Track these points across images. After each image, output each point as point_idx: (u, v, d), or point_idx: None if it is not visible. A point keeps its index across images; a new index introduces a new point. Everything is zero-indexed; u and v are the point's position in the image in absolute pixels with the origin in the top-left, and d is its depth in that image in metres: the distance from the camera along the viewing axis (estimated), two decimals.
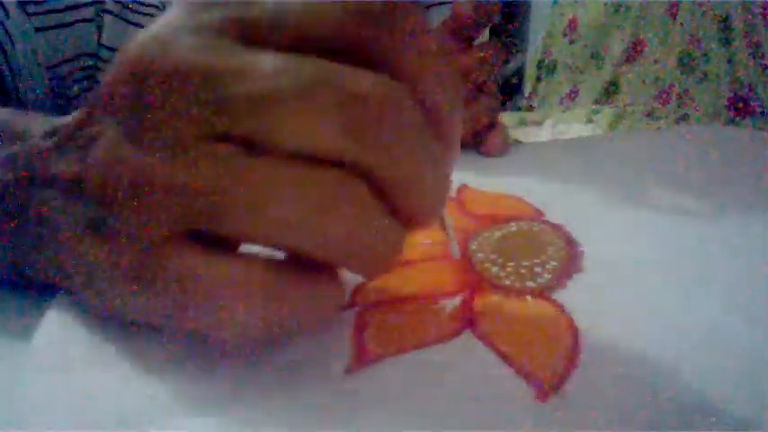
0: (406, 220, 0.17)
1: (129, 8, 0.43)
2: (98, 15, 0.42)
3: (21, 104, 0.41)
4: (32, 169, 0.20)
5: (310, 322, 0.18)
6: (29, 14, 0.39)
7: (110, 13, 0.42)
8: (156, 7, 0.43)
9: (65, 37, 0.41)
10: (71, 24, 0.41)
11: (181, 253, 0.16)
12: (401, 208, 0.17)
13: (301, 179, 0.15)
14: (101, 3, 0.42)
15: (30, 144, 0.21)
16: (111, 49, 0.43)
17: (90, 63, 0.43)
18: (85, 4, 0.41)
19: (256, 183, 0.15)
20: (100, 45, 0.42)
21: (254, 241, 0.16)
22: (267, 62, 0.15)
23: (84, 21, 0.41)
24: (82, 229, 0.18)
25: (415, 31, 0.16)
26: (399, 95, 0.16)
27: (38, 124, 0.22)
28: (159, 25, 0.17)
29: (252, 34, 0.16)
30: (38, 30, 0.40)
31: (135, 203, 0.16)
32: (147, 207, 0.16)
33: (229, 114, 0.15)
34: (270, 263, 0.16)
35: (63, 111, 0.45)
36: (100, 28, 0.42)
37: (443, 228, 0.22)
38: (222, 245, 0.17)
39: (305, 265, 0.17)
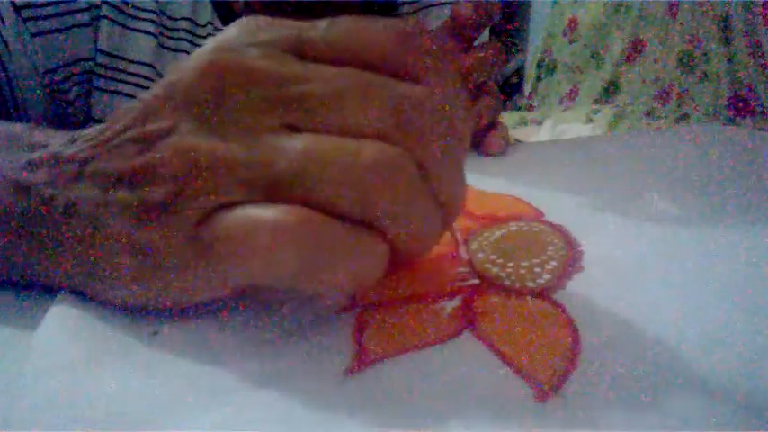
0: (448, 210, 0.20)
1: (125, 13, 0.43)
2: (94, 20, 0.42)
3: (18, 109, 0.41)
4: (56, 172, 0.21)
5: (355, 278, 0.19)
6: (24, 20, 0.39)
7: (106, 17, 0.42)
8: (153, 12, 0.43)
9: (61, 42, 0.41)
10: (67, 29, 0.41)
11: (236, 211, 0.18)
12: (437, 195, 0.19)
13: (358, 147, 0.18)
14: (96, 8, 0.42)
15: (50, 152, 0.22)
16: (108, 54, 0.43)
17: (87, 67, 0.43)
18: (81, 10, 0.41)
19: (313, 151, 0.18)
20: (96, 50, 0.42)
21: (312, 203, 0.18)
22: (327, 70, 0.18)
23: (80, 26, 0.41)
24: (134, 216, 0.19)
25: (436, 49, 0.19)
26: (434, 98, 0.19)
27: (56, 135, 0.23)
28: (224, 39, 0.19)
29: (306, 51, 0.19)
30: (33, 35, 0.40)
31: (208, 181, 0.18)
32: (209, 182, 0.18)
33: (296, 109, 0.18)
34: (310, 209, 0.18)
35: (60, 115, 0.45)
36: (96, 33, 0.42)
37: (451, 231, 0.22)
38: None
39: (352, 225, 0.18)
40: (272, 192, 0.18)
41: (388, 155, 0.18)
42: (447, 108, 0.19)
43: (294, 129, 0.18)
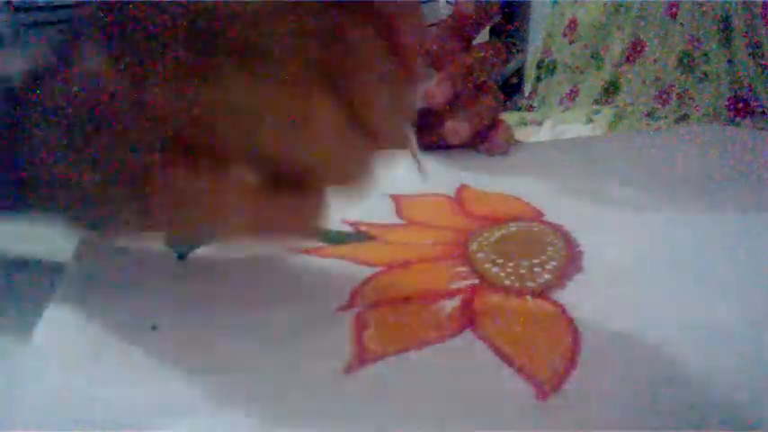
0: (373, 136, 0.19)
1: None
2: None
3: None
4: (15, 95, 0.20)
5: (294, 230, 0.19)
6: (17, 10, 0.39)
7: None
8: None
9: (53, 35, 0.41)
10: (58, 23, 0.41)
11: (179, 169, 0.18)
12: (365, 124, 0.18)
13: (277, 94, 0.17)
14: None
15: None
16: None
17: None
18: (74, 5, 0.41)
19: (243, 101, 0.17)
20: None
21: (241, 157, 0.18)
22: None
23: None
24: (85, 155, 0.19)
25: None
26: (366, 33, 0.18)
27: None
28: None
29: None
30: (26, 28, 0.40)
31: (133, 132, 0.18)
32: (144, 134, 0.17)
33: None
34: (245, 172, 0.18)
35: None
36: None
37: (412, 152, 0.21)
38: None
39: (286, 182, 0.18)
40: (192, 140, 0.17)
41: (314, 103, 0.17)
42: (398, 34, 0.18)
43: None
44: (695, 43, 1.64)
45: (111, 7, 0.18)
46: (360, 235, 0.27)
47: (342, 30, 0.17)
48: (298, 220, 0.19)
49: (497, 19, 0.41)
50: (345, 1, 0.18)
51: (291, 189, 0.18)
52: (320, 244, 0.26)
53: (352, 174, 0.19)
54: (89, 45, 0.19)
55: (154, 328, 0.20)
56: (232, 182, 0.18)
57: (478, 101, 0.42)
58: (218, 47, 0.17)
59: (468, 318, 0.22)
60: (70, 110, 0.19)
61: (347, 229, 0.28)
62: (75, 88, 0.18)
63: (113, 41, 0.18)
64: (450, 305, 0.22)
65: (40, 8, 0.40)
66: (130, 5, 0.18)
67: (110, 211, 0.19)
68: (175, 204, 0.18)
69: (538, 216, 0.31)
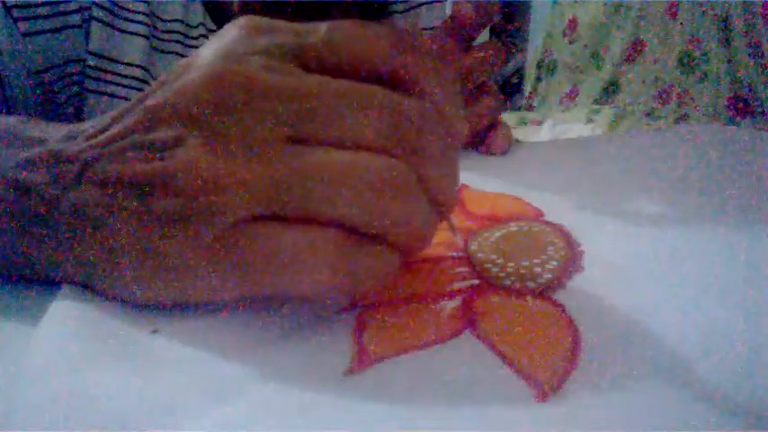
0: (437, 205, 0.20)
1: (115, 15, 0.42)
2: (85, 22, 0.42)
3: (9, 109, 0.40)
4: (56, 172, 0.21)
5: (371, 284, 0.20)
6: (15, 20, 0.39)
7: (96, 19, 0.42)
8: (144, 14, 0.43)
9: (52, 43, 0.41)
10: (58, 30, 0.41)
11: (268, 229, 0.19)
12: (432, 198, 0.20)
13: (367, 164, 0.18)
14: (87, 9, 0.41)
15: (48, 149, 0.22)
16: (99, 56, 0.42)
17: (78, 69, 0.42)
18: (72, 11, 0.41)
19: (326, 169, 0.18)
20: (87, 51, 0.42)
21: (321, 219, 0.19)
22: (330, 84, 0.19)
23: (71, 27, 0.41)
24: (142, 222, 0.19)
25: (435, 59, 0.20)
26: (429, 113, 0.20)
27: (52, 130, 0.23)
28: (226, 46, 0.19)
29: (307, 57, 0.19)
30: (24, 35, 0.39)
31: (223, 198, 0.18)
32: (229, 199, 0.18)
33: (301, 123, 0.18)
34: (338, 231, 0.19)
35: (50, 117, 0.44)
36: (87, 34, 0.42)
37: (447, 218, 0.22)
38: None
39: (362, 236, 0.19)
40: (286, 206, 0.18)
41: (394, 170, 0.19)
42: (444, 114, 0.20)
43: (299, 141, 0.19)
44: (695, 43, 1.64)
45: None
46: None
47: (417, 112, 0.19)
48: (376, 276, 0.20)
49: (497, 19, 0.41)
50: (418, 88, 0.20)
51: (371, 248, 0.19)
52: None
53: (422, 236, 0.20)
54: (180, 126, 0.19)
55: (154, 331, 0.20)
56: (321, 239, 0.19)
57: (478, 101, 0.42)
58: (309, 126, 0.19)
59: (469, 318, 0.22)
60: (159, 182, 0.19)
61: None
62: (170, 164, 0.19)
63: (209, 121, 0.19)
64: (450, 305, 0.22)
65: (36, 17, 0.40)
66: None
67: (195, 279, 0.20)
68: (267, 262, 0.19)
69: (538, 216, 0.31)
